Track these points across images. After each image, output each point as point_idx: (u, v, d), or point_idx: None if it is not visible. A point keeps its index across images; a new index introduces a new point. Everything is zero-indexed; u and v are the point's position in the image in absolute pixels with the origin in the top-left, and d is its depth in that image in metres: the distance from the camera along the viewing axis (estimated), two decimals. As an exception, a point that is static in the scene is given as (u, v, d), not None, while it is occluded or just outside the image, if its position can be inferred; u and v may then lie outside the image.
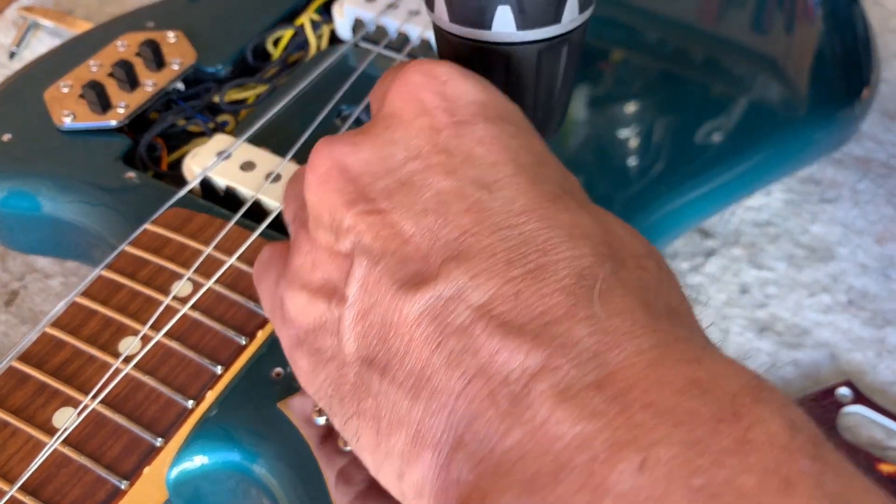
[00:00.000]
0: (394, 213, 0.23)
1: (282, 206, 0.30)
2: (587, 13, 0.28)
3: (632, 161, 0.46)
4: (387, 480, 0.23)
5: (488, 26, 0.27)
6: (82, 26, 0.62)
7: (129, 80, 0.47)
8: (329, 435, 0.33)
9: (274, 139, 0.45)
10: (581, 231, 0.22)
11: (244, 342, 0.34)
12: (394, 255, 0.23)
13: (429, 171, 0.24)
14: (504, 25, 0.27)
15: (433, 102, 0.25)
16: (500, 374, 0.20)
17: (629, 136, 0.47)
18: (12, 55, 0.64)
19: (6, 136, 0.46)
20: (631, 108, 0.49)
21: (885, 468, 0.43)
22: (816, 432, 0.18)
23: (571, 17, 0.27)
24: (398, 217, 0.23)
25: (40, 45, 0.64)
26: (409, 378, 0.22)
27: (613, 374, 0.19)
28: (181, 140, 0.48)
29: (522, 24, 0.26)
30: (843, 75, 0.52)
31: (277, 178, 0.42)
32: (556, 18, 0.27)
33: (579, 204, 0.24)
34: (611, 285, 0.21)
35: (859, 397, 0.45)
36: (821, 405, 0.45)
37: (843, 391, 0.45)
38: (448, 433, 0.20)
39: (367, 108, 0.46)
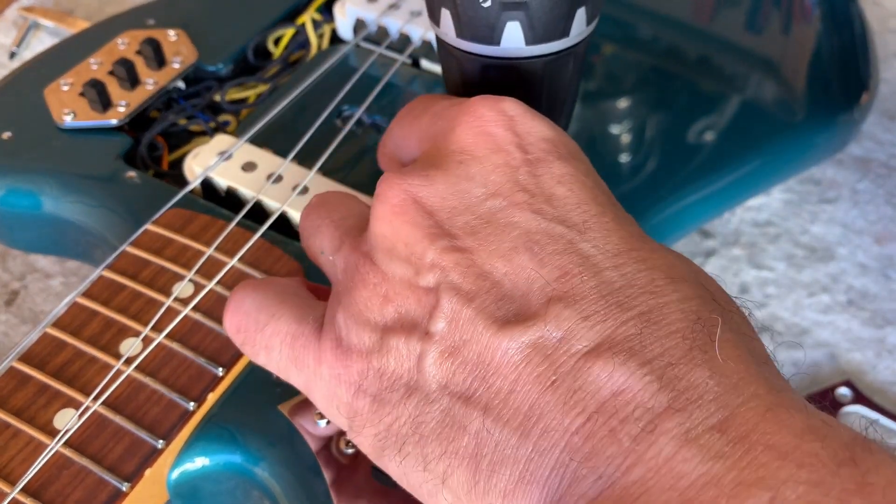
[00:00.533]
0: (481, 251, 0.23)
1: (301, 232, 0.30)
2: (593, 25, 0.28)
3: (632, 165, 0.46)
4: None
5: (497, 42, 0.26)
6: (82, 26, 0.62)
7: (130, 78, 0.47)
8: (330, 437, 0.33)
9: (275, 139, 0.45)
10: (678, 273, 0.23)
11: (245, 343, 0.35)
12: (489, 293, 0.23)
13: (513, 208, 0.23)
14: (513, 41, 0.26)
15: (506, 138, 0.25)
16: (623, 413, 0.20)
17: (629, 140, 0.47)
18: (13, 55, 0.64)
19: (6, 134, 0.46)
20: (631, 112, 0.49)
21: (884, 469, 0.43)
22: None
23: (579, 30, 0.27)
24: (487, 256, 0.23)
25: (41, 45, 0.64)
26: (517, 416, 0.21)
27: (734, 416, 0.19)
28: (182, 139, 0.48)
29: (531, 39, 0.26)
30: (842, 80, 0.52)
31: (279, 179, 0.42)
32: (565, 33, 0.27)
33: (658, 244, 0.24)
34: (725, 333, 0.21)
35: (859, 397, 0.45)
36: (820, 405, 0.45)
37: (843, 391, 0.45)
38: (559, 470, 0.21)
39: (368, 110, 0.46)
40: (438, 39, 0.29)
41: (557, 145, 0.25)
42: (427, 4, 0.29)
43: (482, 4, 0.26)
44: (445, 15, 0.27)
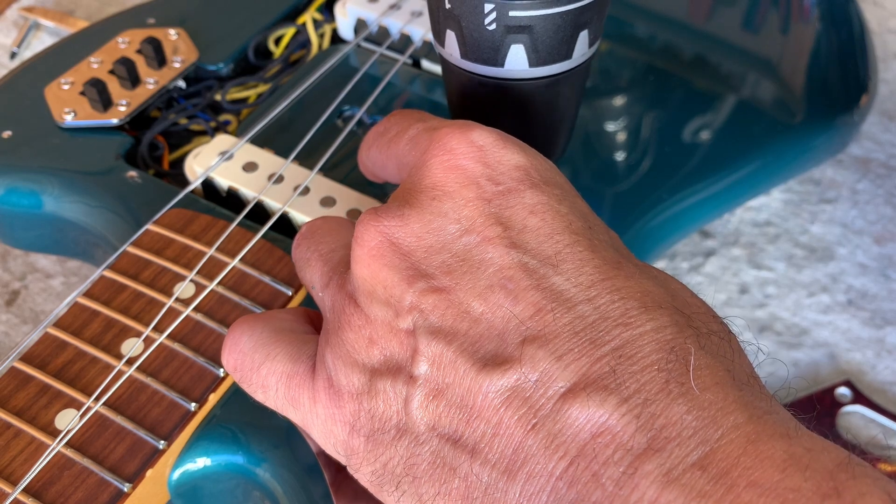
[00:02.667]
0: (458, 290, 0.23)
1: (294, 263, 0.30)
2: (595, 46, 0.28)
3: (631, 167, 0.46)
4: None
5: (501, 64, 0.27)
6: (83, 27, 0.61)
7: (131, 77, 0.47)
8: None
9: (276, 140, 0.45)
10: (652, 299, 0.22)
11: (246, 344, 0.35)
12: (466, 335, 0.23)
13: (486, 244, 0.24)
14: (517, 63, 0.26)
15: (476, 171, 0.25)
16: (603, 456, 0.20)
17: (629, 142, 0.48)
18: (13, 55, 0.64)
19: (6, 133, 0.46)
20: (630, 114, 0.49)
21: (884, 468, 0.43)
22: None
23: (582, 51, 0.27)
24: (463, 295, 0.23)
25: (41, 45, 0.64)
26: (503, 460, 0.21)
27: (714, 452, 0.19)
28: (183, 139, 0.48)
29: (535, 61, 0.26)
30: (841, 82, 0.52)
31: (280, 179, 0.42)
32: (568, 55, 0.27)
33: (636, 266, 0.24)
34: (700, 359, 0.21)
35: (859, 397, 0.45)
36: (820, 405, 0.45)
37: (843, 391, 0.46)
38: None
39: (368, 110, 0.46)
40: (442, 59, 0.29)
41: (530, 172, 0.25)
42: (432, 26, 0.29)
43: (487, 27, 0.26)
44: (450, 36, 0.27)
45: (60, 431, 0.32)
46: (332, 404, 0.25)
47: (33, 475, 0.31)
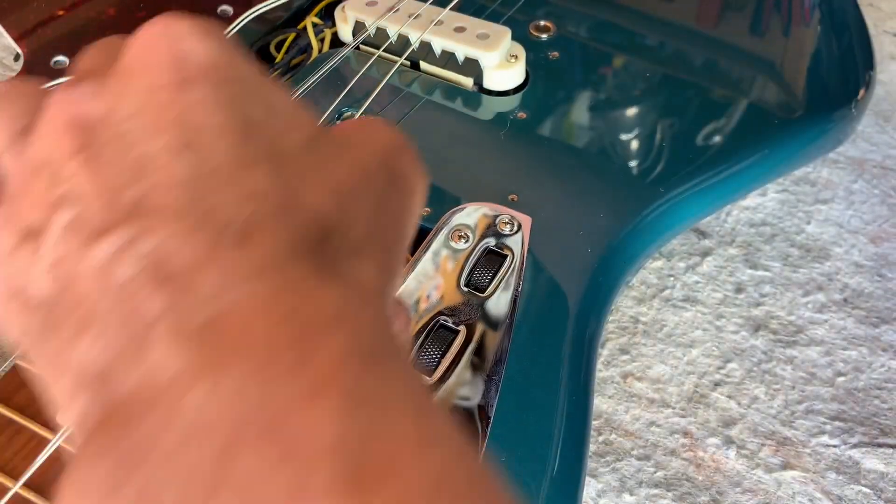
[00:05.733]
0: (102, 168, 0.24)
1: None
2: None
3: (629, 162, 0.46)
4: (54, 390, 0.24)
5: None
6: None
7: (132, 82, 0.47)
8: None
9: (275, 140, 0.45)
10: (252, 190, 0.24)
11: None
12: (89, 207, 0.24)
13: (142, 130, 0.25)
14: None
15: (164, 58, 0.25)
16: (138, 322, 0.21)
17: (627, 138, 0.48)
18: (17, 57, 0.65)
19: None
20: (629, 110, 0.50)
21: (878, 465, 0.44)
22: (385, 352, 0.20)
23: None
24: (104, 172, 0.24)
25: (43, 47, 0.65)
26: (77, 325, 0.23)
27: (221, 315, 0.21)
28: (183, 141, 0.49)
29: None
30: (839, 76, 0.52)
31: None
32: None
33: (274, 162, 0.25)
34: (261, 221, 0.22)
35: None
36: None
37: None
38: (95, 377, 0.22)
39: (367, 111, 0.47)
40: None
41: (217, 68, 0.25)
42: None
43: None
44: None
45: (62, 427, 0.32)
46: None
47: (35, 470, 0.31)
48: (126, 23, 0.50)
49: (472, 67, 0.48)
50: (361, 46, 0.52)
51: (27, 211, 0.25)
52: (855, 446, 0.44)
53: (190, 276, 0.22)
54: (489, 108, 0.48)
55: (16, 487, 0.31)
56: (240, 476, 0.18)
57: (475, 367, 0.35)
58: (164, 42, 0.25)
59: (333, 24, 0.54)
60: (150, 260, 0.22)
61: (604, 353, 0.48)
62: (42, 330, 0.24)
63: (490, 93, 0.48)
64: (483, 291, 0.37)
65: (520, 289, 0.38)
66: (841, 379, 0.47)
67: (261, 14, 0.54)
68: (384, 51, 0.51)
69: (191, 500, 0.18)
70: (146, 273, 0.22)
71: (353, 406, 0.18)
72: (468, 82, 0.48)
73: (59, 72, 0.43)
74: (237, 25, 0.54)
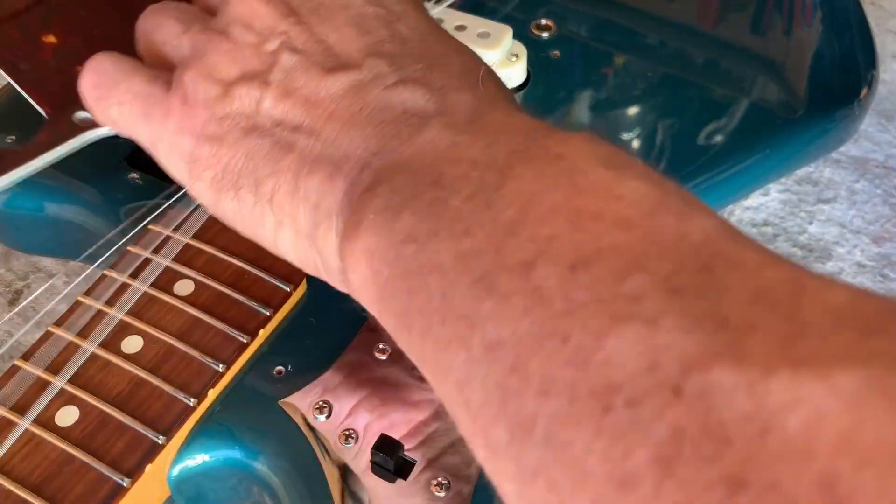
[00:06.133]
0: (320, 25, 0.30)
1: (139, 35, 0.34)
2: None
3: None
4: (297, 224, 0.28)
5: None
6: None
7: (132, 81, 0.47)
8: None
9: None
10: (465, 49, 0.31)
11: (246, 340, 0.35)
12: (320, 52, 0.29)
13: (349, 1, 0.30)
14: None
15: None
16: (407, 122, 0.27)
17: (628, 137, 0.48)
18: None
19: (10, 138, 0.46)
20: (630, 110, 0.49)
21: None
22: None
23: None
24: (323, 28, 0.29)
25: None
26: (334, 132, 0.27)
27: (482, 115, 0.27)
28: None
29: None
30: (841, 75, 0.52)
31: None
32: None
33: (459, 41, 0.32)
34: (488, 76, 0.29)
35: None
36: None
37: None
38: (359, 161, 0.27)
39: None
40: None
41: None
42: None
43: None
44: None
45: (62, 428, 0.32)
46: (184, 115, 0.30)
47: (36, 471, 0.31)
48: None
49: (472, 66, 0.48)
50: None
51: (237, 60, 0.29)
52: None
53: (453, 97, 0.27)
54: (490, 108, 0.47)
55: (23, 425, 0.31)
56: (517, 173, 0.23)
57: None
58: None
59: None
60: (403, 82, 0.28)
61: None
62: (272, 149, 0.28)
63: (491, 92, 0.48)
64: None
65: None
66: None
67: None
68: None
69: (480, 191, 0.23)
70: (403, 89, 0.27)
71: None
72: (469, 81, 0.48)
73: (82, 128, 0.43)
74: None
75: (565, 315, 0.19)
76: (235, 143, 0.29)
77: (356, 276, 0.25)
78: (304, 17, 0.30)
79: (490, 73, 0.30)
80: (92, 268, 0.39)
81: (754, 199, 0.54)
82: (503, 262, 0.21)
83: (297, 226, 0.28)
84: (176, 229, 0.39)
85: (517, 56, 0.48)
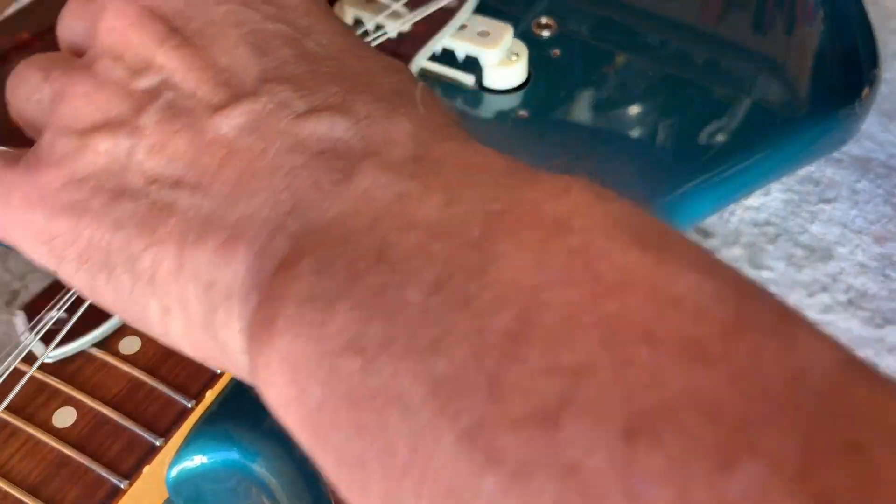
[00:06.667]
0: (208, 48, 0.24)
1: (8, 97, 0.28)
2: None
3: (630, 161, 0.46)
4: (187, 310, 0.22)
5: None
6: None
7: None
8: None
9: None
10: (395, 67, 0.25)
11: (244, 341, 0.35)
12: (207, 82, 0.23)
13: (242, 12, 0.24)
14: None
15: None
16: (326, 166, 0.21)
17: (628, 136, 0.48)
18: (13, 55, 0.64)
19: (2, 149, 0.46)
20: (630, 109, 0.49)
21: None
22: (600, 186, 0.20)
23: None
24: (212, 51, 0.24)
25: (41, 45, 0.65)
26: (226, 186, 0.22)
27: (431, 150, 0.21)
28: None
29: None
30: (843, 74, 0.52)
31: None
32: None
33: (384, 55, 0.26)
34: (429, 95, 0.24)
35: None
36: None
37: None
38: (266, 225, 0.21)
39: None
40: None
41: None
42: None
43: None
44: None
45: (59, 429, 0.32)
46: (32, 183, 0.23)
47: (32, 472, 0.31)
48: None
49: (472, 65, 0.48)
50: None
51: (100, 103, 0.23)
52: (860, 448, 0.44)
53: (384, 126, 0.21)
54: (490, 107, 0.47)
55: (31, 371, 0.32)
56: (499, 251, 0.17)
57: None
58: None
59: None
60: (317, 113, 0.22)
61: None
62: (148, 214, 0.22)
63: (491, 91, 0.48)
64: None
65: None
66: (845, 380, 0.46)
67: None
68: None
69: (450, 278, 0.17)
70: (318, 124, 0.21)
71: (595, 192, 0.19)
72: (469, 80, 0.48)
73: None
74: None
75: None
76: (100, 211, 0.22)
77: (274, 393, 0.19)
78: (188, 39, 0.24)
79: (429, 93, 0.24)
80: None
81: (755, 199, 0.54)
82: (505, 409, 0.14)
83: (187, 313, 0.22)
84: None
85: (517, 55, 0.48)
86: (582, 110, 0.49)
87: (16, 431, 0.32)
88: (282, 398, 0.19)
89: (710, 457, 0.12)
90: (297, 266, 0.19)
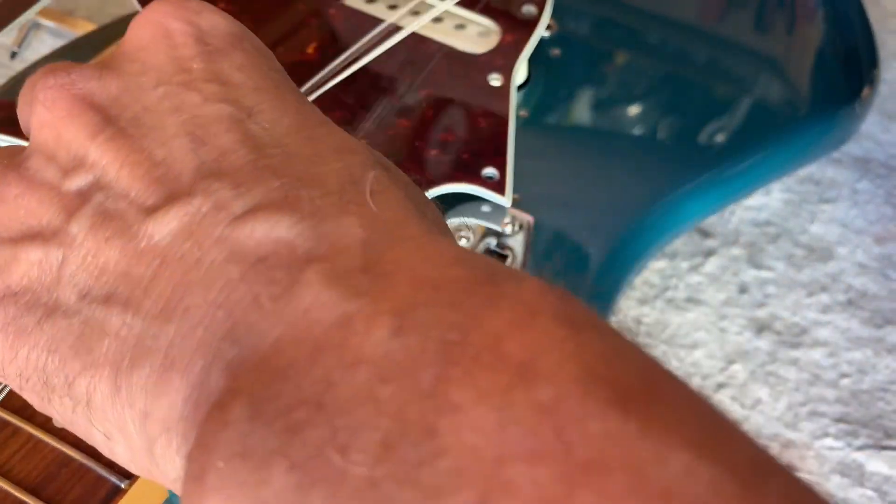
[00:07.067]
0: (143, 139, 0.21)
1: None
2: None
3: (631, 161, 0.46)
4: (128, 438, 0.20)
5: None
6: (84, 26, 0.62)
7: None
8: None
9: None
10: (349, 146, 0.22)
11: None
12: (140, 180, 0.21)
13: (182, 93, 0.22)
14: None
15: (185, 31, 0.23)
16: (266, 277, 0.18)
17: (628, 136, 0.48)
18: (13, 55, 0.64)
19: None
20: (630, 108, 0.49)
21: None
22: (573, 300, 0.17)
23: None
24: (148, 143, 0.21)
25: (42, 45, 0.65)
26: (159, 303, 0.19)
27: (382, 256, 0.18)
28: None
29: None
30: (843, 74, 0.52)
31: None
32: None
33: (339, 128, 0.23)
34: (383, 184, 0.21)
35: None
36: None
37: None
38: (201, 349, 0.18)
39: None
40: None
41: (243, 40, 0.24)
42: None
43: None
44: None
45: (60, 429, 0.32)
46: None
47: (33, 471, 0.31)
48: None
49: (473, 65, 0.48)
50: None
51: (28, 210, 0.22)
52: (859, 449, 0.44)
53: (331, 227, 0.19)
54: (490, 107, 0.47)
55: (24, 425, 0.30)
56: (455, 402, 0.15)
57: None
58: (178, 16, 0.23)
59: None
60: (255, 215, 0.19)
61: (606, 354, 0.48)
62: (81, 335, 0.20)
63: (491, 91, 0.48)
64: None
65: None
66: (845, 381, 0.46)
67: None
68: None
69: (400, 438, 0.15)
70: (254, 229, 0.19)
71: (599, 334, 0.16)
72: (469, 80, 0.48)
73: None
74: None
75: None
76: (34, 330, 0.21)
77: None
78: (122, 129, 0.21)
79: (385, 177, 0.21)
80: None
81: (756, 199, 0.54)
82: None
83: (128, 439, 0.20)
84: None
85: (518, 55, 0.48)
86: (582, 110, 0.49)
87: (16, 431, 0.32)
88: None
89: None
90: (229, 409, 0.17)
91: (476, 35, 0.48)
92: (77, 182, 0.21)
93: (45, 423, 0.32)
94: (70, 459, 0.31)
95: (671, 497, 0.13)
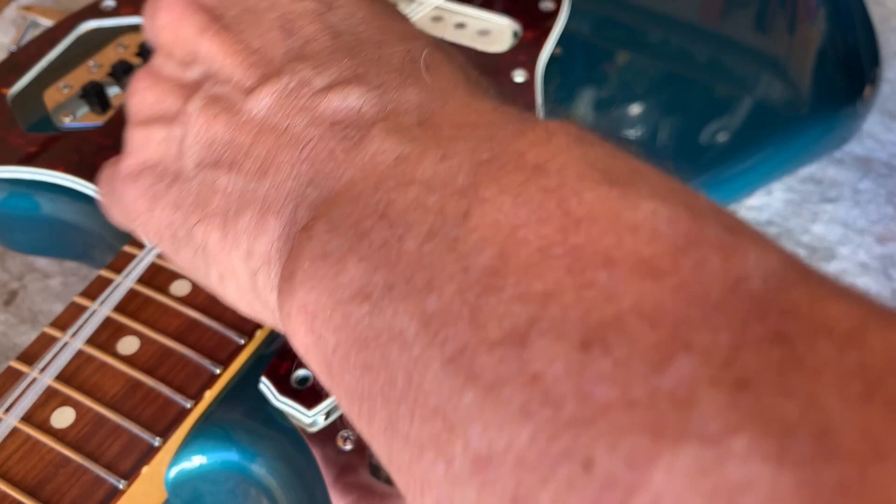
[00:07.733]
0: (243, 33, 0.26)
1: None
2: None
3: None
4: (236, 277, 0.25)
5: None
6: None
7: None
8: (329, 437, 0.33)
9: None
10: (411, 33, 0.26)
11: (243, 342, 0.34)
12: (241, 66, 0.25)
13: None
14: None
15: None
16: (340, 135, 0.23)
17: (629, 135, 0.47)
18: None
19: (6, 137, 0.46)
20: (631, 108, 0.49)
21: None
22: (586, 129, 0.21)
23: None
24: (247, 35, 0.26)
25: (41, 45, 0.64)
26: (256, 163, 0.24)
27: (433, 114, 0.22)
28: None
29: None
30: (845, 73, 0.52)
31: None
32: None
33: (408, 21, 0.28)
34: (437, 59, 0.25)
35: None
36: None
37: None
38: (290, 196, 0.23)
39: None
40: None
41: None
42: None
43: None
44: None
45: (57, 430, 0.32)
46: (119, 169, 0.28)
47: (31, 472, 0.31)
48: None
49: (473, 65, 0.48)
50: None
51: (153, 99, 0.27)
52: (862, 449, 0.44)
53: (393, 96, 0.23)
54: (491, 106, 0.47)
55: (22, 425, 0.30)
56: (483, 196, 0.18)
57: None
58: None
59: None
60: (332, 86, 0.24)
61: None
62: (199, 193, 0.25)
63: (491, 90, 0.48)
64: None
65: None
66: (847, 380, 0.46)
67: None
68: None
69: (442, 225, 0.18)
70: (331, 97, 0.23)
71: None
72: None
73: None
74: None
75: (583, 424, 0.14)
76: (165, 194, 0.26)
77: (297, 341, 0.21)
78: (227, 26, 0.26)
79: (440, 54, 0.25)
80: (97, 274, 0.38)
81: (757, 199, 0.54)
82: (484, 334, 0.16)
83: (236, 278, 0.25)
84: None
85: (518, 54, 0.47)
86: (582, 109, 0.49)
87: (14, 432, 0.32)
88: (303, 345, 0.21)
89: (649, 357, 0.14)
90: (312, 228, 0.21)
91: (496, 34, 0.47)
92: (191, 73, 0.26)
93: (42, 423, 0.32)
94: (68, 460, 0.31)
95: (638, 229, 0.16)
